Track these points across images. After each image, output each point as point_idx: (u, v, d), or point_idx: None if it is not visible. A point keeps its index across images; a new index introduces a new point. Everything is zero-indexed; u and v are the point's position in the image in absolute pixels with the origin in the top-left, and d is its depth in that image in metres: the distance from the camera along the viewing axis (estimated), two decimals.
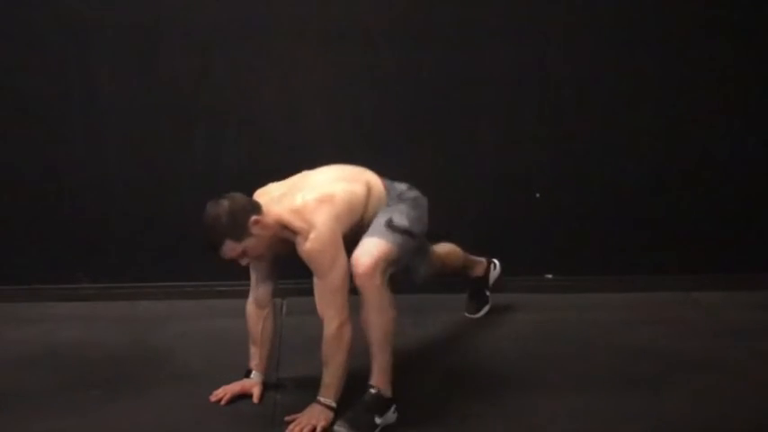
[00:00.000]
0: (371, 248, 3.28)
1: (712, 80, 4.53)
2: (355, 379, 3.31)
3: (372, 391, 3.28)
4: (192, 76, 4.38)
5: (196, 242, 4.44)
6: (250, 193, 3.39)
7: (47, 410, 3.41)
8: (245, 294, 3.61)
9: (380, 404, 3.28)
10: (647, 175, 4.59)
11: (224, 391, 3.47)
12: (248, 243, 3.23)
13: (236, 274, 4.46)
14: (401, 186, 3.54)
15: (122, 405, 3.46)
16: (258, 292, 3.53)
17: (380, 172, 3.54)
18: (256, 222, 3.21)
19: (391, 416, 3.31)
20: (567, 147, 4.55)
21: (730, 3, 4.47)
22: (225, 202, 3.21)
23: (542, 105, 4.51)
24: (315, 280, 3.27)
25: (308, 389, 3.41)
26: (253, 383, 3.50)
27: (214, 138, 4.44)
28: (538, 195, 4.58)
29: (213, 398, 3.46)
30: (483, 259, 4.24)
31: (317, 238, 3.22)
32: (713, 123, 4.57)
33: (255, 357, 3.53)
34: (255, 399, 3.46)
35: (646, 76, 4.51)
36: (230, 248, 3.22)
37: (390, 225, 3.37)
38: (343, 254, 3.26)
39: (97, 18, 4.30)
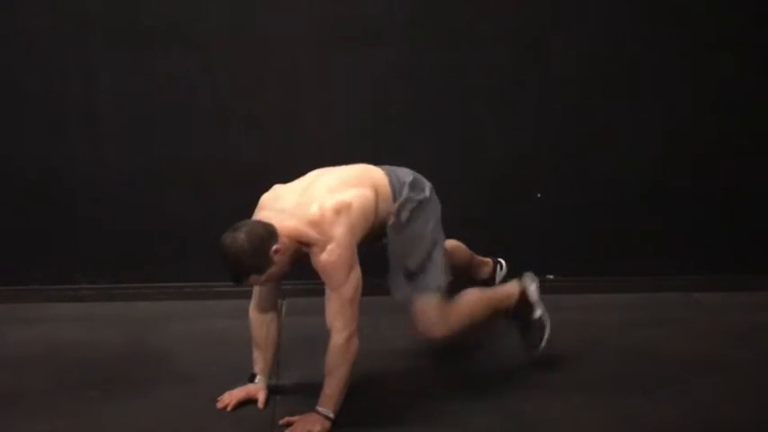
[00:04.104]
0: (442, 314, 3.44)
1: (713, 80, 4.52)
2: (357, 387, 3.30)
3: None
4: (192, 76, 4.38)
5: (195, 243, 4.49)
6: (254, 194, 3.37)
7: (47, 410, 3.40)
8: (244, 295, 3.58)
9: None
10: (648, 176, 4.59)
11: (229, 397, 3.42)
12: (271, 270, 3.18)
13: None
14: (405, 177, 3.49)
15: (122, 405, 3.45)
16: (261, 297, 3.45)
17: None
18: (277, 252, 3.15)
19: None
20: (567, 147, 4.54)
21: (732, 3, 4.47)
22: (242, 237, 3.09)
23: (543, 105, 4.51)
24: (327, 291, 3.24)
25: (307, 391, 3.40)
26: (258, 388, 3.44)
27: (214, 138, 4.44)
28: (539, 195, 4.57)
29: (219, 404, 3.40)
30: (489, 260, 4.16)
31: (335, 250, 3.17)
32: (714, 124, 4.57)
33: (260, 362, 3.46)
34: (261, 404, 3.41)
35: (647, 77, 4.50)
36: (254, 280, 3.20)
37: (413, 275, 3.45)
38: (357, 266, 3.22)
39: (97, 18, 4.30)
